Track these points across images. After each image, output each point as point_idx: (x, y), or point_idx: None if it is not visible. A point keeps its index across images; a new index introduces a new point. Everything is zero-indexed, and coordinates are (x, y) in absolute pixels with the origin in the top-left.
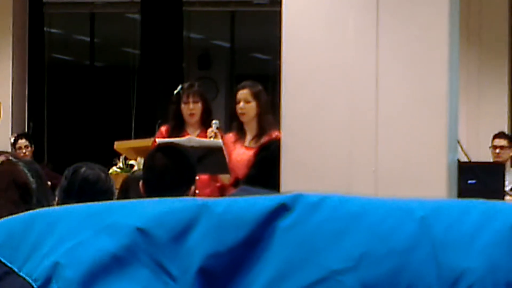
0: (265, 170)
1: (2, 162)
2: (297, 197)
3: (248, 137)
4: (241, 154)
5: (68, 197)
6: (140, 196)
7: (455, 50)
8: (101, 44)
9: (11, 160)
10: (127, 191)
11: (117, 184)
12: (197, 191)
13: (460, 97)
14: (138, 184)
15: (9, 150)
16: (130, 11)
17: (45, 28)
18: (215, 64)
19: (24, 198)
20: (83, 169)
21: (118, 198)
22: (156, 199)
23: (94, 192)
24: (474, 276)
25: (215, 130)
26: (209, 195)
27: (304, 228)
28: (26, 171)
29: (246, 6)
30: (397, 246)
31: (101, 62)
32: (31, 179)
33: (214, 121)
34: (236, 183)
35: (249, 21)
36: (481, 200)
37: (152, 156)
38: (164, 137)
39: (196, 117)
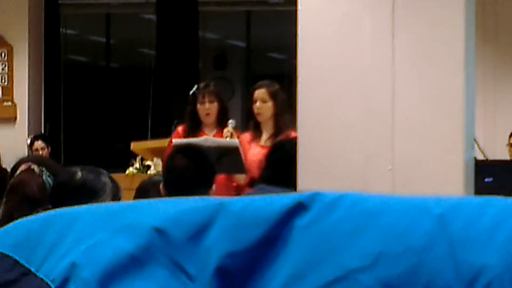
0: (280, 170)
1: (21, 172)
2: (314, 196)
3: (264, 136)
4: (256, 153)
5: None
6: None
7: (471, 48)
8: (117, 45)
9: (32, 168)
10: (145, 195)
11: (134, 185)
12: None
13: (476, 95)
14: (156, 188)
15: (26, 151)
16: (145, 12)
17: (61, 29)
18: (231, 64)
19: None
20: (62, 173)
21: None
22: (173, 198)
23: (69, 191)
24: (492, 273)
25: (231, 130)
26: (225, 195)
27: (322, 227)
28: (45, 179)
29: (261, 5)
30: (415, 244)
31: (117, 63)
32: (51, 186)
33: (230, 121)
34: (251, 183)
35: (264, 20)
36: (498, 197)
37: (172, 157)
38: (180, 137)
39: (212, 117)
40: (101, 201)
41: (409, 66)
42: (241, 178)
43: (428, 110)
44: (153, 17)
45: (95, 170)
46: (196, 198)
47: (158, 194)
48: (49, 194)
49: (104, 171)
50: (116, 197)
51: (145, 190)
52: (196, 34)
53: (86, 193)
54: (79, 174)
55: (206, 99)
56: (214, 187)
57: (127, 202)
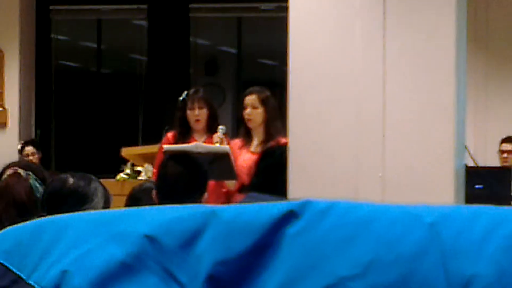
0: (270, 177)
1: (8, 176)
2: (305, 204)
3: (255, 142)
4: (246, 159)
5: (42, 208)
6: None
7: (462, 55)
8: (108, 50)
9: (18, 172)
10: (136, 202)
11: (124, 190)
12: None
13: (467, 102)
14: (147, 195)
15: (17, 157)
16: (137, 18)
17: (52, 35)
18: (222, 70)
19: (23, 217)
20: (53, 179)
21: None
22: (165, 206)
23: (60, 198)
24: (482, 282)
25: (221, 136)
26: (215, 201)
27: (313, 235)
28: (32, 183)
29: (252, 12)
30: (406, 253)
31: (108, 69)
32: (38, 190)
33: (220, 127)
34: (241, 189)
35: (256, 27)
36: (489, 206)
37: (165, 164)
38: (170, 143)
39: (202, 123)
40: (93, 207)
41: (400, 73)
42: (231, 184)
43: (419, 117)
44: (144, 23)
45: (86, 176)
46: (187, 205)
47: (150, 201)
48: (44, 201)
49: (94, 177)
50: (107, 202)
51: (136, 198)
52: (187, 40)
53: (77, 199)
54: (71, 180)
55: (196, 105)
56: (206, 194)
57: (118, 209)
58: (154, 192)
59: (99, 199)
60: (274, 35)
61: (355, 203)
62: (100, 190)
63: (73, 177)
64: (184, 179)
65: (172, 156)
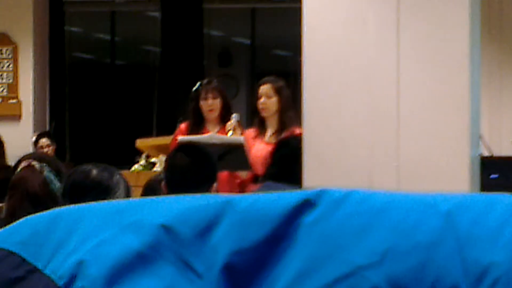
0: (285, 167)
1: (22, 169)
2: (321, 193)
3: (269, 132)
4: (260, 149)
5: (64, 200)
6: None
7: (476, 46)
8: (121, 42)
9: (32, 165)
10: (152, 193)
11: (139, 182)
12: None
13: (481, 92)
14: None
15: (31, 149)
16: (150, 9)
17: (65, 27)
18: (235, 61)
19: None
20: (75, 170)
21: None
22: (180, 196)
23: (84, 189)
24: (499, 270)
25: (235, 124)
26: (229, 191)
27: (329, 224)
28: (46, 175)
29: (266, 2)
30: (422, 241)
31: (122, 61)
32: (53, 182)
33: (233, 115)
34: (255, 179)
35: (269, 17)
36: (505, 194)
37: (173, 155)
38: (183, 134)
39: (216, 113)
40: (115, 199)
41: (414, 63)
42: (243, 174)
43: (433, 107)
44: (158, 14)
45: (108, 168)
46: (203, 195)
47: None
48: (66, 192)
49: (116, 169)
50: (128, 195)
51: (152, 188)
52: (201, 31)
53: (101, 192)
54: (94, 172)
55: (209, 95)
56: (215, 184)
57: (134, 199)
58: (163, 183)
59: (121, 191)
60: (287, 26)
61: (371, 192)
62: (122, 182)
63: (96, 168)
64: (193, 170)
65: (181, 147)
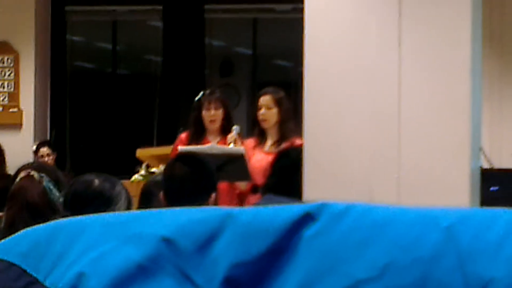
0: (285, 178)
1: (21, 179)
2: (322, 206)
3: (269, 142)
4: (259, 159)
5: (65, 209)
6: (162, 202)
7: (477, 55)
8: (123, 51)
9: (31, 175)
10: (149, 196)
11: (140, 192)
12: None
13: (482, 103)
14: (159, 189)
15: (32, 158)
16: (152, 19)
17: (67, 36)
18: (237, 71)
19: (37, 220)
20: (77, 180)
21: (140, 203)
22: (181, 208)
23: (85, 200)
24: (500, 285)
25: (235, 136)
26: (228, 203)
27: (329, 238)
28: (46, 185)
29: (268, 13)
30: (423, 256)
31: (124, 70)
32: (52, 192)
33: (234, 127)
34: (254, 189)
35: (271, 28)
36: (506, 209)
37: (172, 165)
38: (184, 144)
39: (217, 124)
40: (117, 210)
41: (415, 73)
42: (242, 185)
43: (434, 118)
44: (159, 24)
45: (110, 179)
46: (204, 208)
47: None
48: (67, 202)
49: (117, 180)
50: (129, 206)
51: (149, 191)
52: (202, 41)
53: (102, 202)
54: (96, 182)
55: (212, 106)
56: (214, 195)
57: (135, 211)
58: (161, 193)
59: (122, 202)
60: (289, 36)
61: (372, 205)
62: (123, 193)
63: (97, 179)
64: (191, 180)
65: (179, 157)
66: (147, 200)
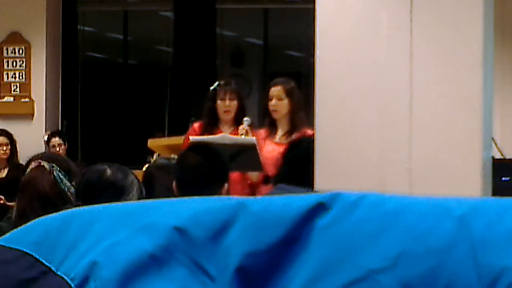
0: (296, 168)
1: (32, 169)
2: (335, 196)
3: (279, 133)
4: (270, 150)
5: (77, 199)
6: (164, 185)
7: (489, 47)
8: (134, 42)
9: (42, 165)
10: (151, 179)
11: None
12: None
13: (494, 94)
14: (162, 172)
15: (43, 148)
16: (163, 9)
17: (78, 27)
18: (248, 62)
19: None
20: (89, 169)
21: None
22: (193, 198)
23: (98, 189)
24: None
25: (246, 128)
26: (240, 193)
27: (342, 228)
28: (56, 176)
29: (279, 3)
30: (435, 245)
31: (135, 60)
32: (63, 182)
33: (245, 119)
34: (265, 180)
35: (282, 18)
36: None
37: (185, 155)
38: (197, 134)
39: (231, 115)
40: (129, 200)
41: (427, 65)
42: (253, 176)
43: (445, 109)
44: (170, 14)
45: (123, 169)
46: (217, 197)
47: (164, 178)
48: (79, 192)
49: (130, 170)
50: (141, 196)
51: (151, 175)
52: (214, 31)
53: (115, 192)
54: (109, 172)
55: (227, 96)
56: (226, 185)
57: (147, 201)
58: (174, 183)
59: (134, 192)
60: (300, 26)
61: (385, 195)
62: (135, 184)
63: (110, 168)
64: (204, 170)
65: (192, 146)
66: (149, 183)
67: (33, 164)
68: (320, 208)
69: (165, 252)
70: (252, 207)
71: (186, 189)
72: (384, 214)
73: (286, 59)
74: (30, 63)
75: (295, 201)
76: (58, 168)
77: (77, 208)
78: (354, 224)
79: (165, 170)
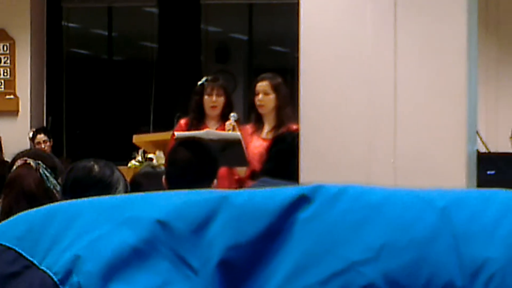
0: (282, 163)
1: (18, 167)
2: (317, 188)
3: (266, 128)
4: (257, 146)
5: (64, 196)
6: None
7: (473, 41)
8: (119, 38)
9: (28, 163)
10: (137, 187)
11: None
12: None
13: (478, 88)
14: (148, 180)
15: (28, 144)
16: (147, 5)
17: (63, 23)
18: (233, 57)
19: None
20: (76, 166)
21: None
22: (176, 191)
23: (86, 186)
24: (495, 266)
25: (233, 123)
26: (227, 188)
27: (325, 220)
28: (42, 173)
29: None
30: (418, 237)
31: (119, 56)
32: (49, 179)
33: (232, 114)
34: (252, 175)
35: (267, 13)
36: (502, 190)
37: (174, 150)
38: (183, 130)
39: (218, 110)
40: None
41: (411, 59)
42: (241, 171)
43: (430, 103)
44: (155, 10)
45: (109, 165)
46: (199, 190)
47: (150, 185)
48: (67, 188)
49: (115, 166)
50: (127, 191)
51: (137, 183)
52: (198, 27)
53: (103, 188)
54: (96, 169)
55: (214, 92)
56: (216, 181)
57: (130, 195)
58: (163, 178)
59: (121, 188)
60: (285, 21)
61: (367, 187)
62: (121, 179)
63: (97, 165)
64: (194, 165)
65: (182, 142)
66: (135, 191)
67: (19, 162)
68: (302, 200)
69: (148, 246)
70: (235, 200)
71: (176, 184)
72: (366, 206)
73: (271, 55)
74: (14, 59)
75: (278, 194)
76: (44, 166)
77: (60, 202)
78: (337, 216)
79: (152, 178)
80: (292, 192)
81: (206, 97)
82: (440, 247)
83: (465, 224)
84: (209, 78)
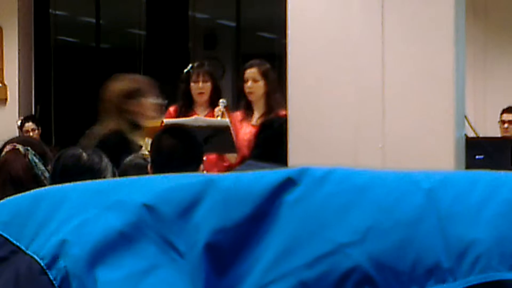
0: (269, 148)
1: (6, 152)
2: (303, 171)
3: (256, 115)
4: (247, 132)
5: (53, 183)
6: None
7: (461, 24)
8: (106, 25)
9: (17, 149)
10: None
11: None
12: (205, 172)
13: (467, 73)
14: (137, 172)
15: (17, 133)
16: None
17: (50, 11)
18: (221, 44)
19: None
20: (64, 153)
21: None
22: (162, 175)
23: (75, 174)
24: (481, 247)
25: (222, 109)
26: None
27: (311, 202)
28: (31, 159)
29: None
30: (404, 219)
31: (107, 44)
32: (37, 166)
33: (221, 100)
34: (242, 161)
35: (254, 0)
36: (488, 172)
37: (159, 137)
38: (172, 118)
39: (205, 96)
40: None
41: (399, 44)
42: (232, 158)
43: (418, 88)
44: None
45: (97, 152)
46: (186, 174)
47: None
48: (56, 176)
49: (103, 153)
50: (114, 177)
51: (124, 173)
52: (186, 14)
53: (92, 176)
54: (85, 156)
55: (200, 78)
56: (202, 167)
57: (117, 179)
58: (149, 165)
59: (109, 175)
60: (272, 8)
61: (353, 169)
62: (109, 166)
63: (85, 152)
64: (179, 152)
65: (167, 129)
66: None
67: (7, 148)
68: (288, 183)
69: (134, 229)
70: (221, 184)
71: (161, 172)
72: (352, 188)
73: (259, 41)
74: (2, 48)
75: (264, 176)
76: (33, 152)
77: (47, 187)
78: (323, 198)
79: (141, 169)
80: (278, 175)
81: (192, 84)
82: (426, 228)
83: (450, 205)
84: (195, 64)
